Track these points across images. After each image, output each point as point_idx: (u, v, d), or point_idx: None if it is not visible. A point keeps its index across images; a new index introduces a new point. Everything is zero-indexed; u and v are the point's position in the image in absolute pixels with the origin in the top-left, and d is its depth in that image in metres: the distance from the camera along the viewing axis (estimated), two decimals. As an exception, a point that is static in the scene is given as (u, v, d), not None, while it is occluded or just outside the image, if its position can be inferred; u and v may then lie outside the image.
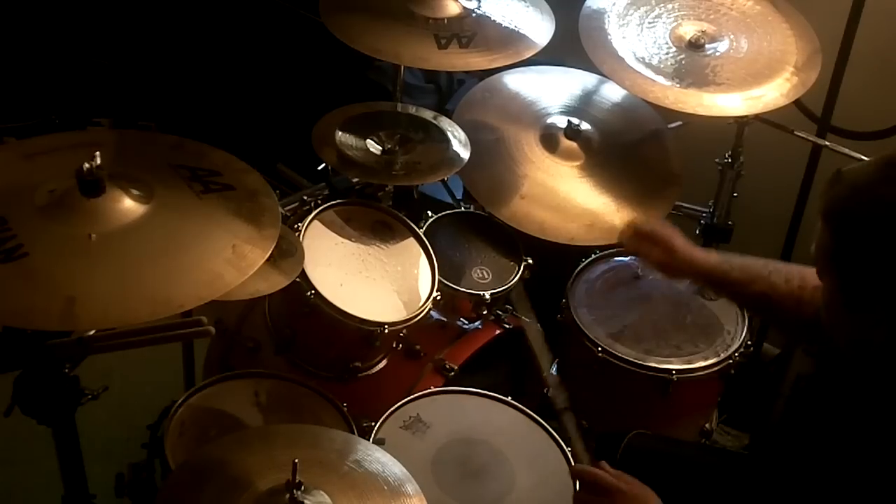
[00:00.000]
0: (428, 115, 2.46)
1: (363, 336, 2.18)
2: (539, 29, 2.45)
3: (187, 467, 1.78)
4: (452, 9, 2.41)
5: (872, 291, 1.47)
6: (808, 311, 1.83)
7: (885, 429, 1.55)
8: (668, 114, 2.51)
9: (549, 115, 2.58)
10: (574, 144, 2.51)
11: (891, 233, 1.43)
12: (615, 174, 2.50)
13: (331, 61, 3.00)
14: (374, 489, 1.66)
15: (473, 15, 2.43)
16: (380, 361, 2.31)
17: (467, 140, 2.39)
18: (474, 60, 2.36)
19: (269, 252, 1.69)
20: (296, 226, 2.24)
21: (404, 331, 2.24)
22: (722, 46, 2.49)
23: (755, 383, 2.73)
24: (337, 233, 2.32)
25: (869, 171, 1.48)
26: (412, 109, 2.49)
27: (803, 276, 1.90)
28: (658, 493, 1.85)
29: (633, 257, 2.56)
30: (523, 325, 2.36)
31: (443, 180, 2.65)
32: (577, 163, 2.50)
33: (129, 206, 1.66)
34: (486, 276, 2.45)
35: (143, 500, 2.09)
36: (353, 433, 2.04)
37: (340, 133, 2.32)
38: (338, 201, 2.36)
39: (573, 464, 2.00)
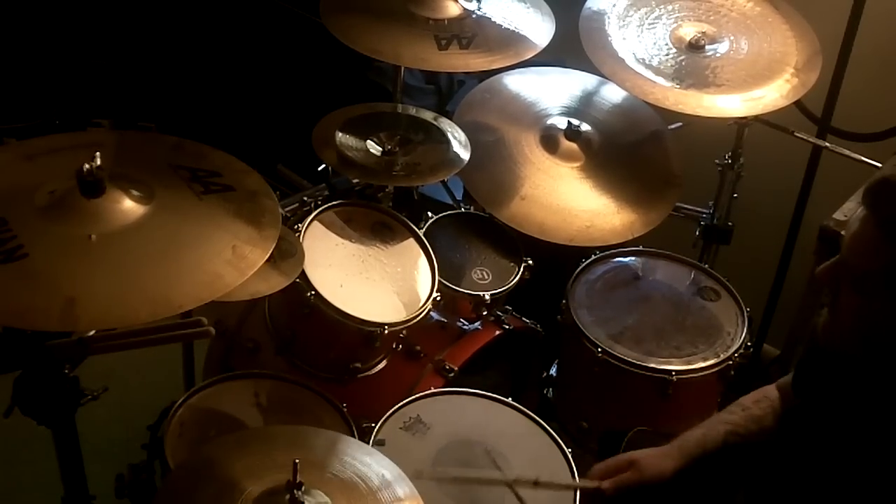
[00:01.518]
0: (428, 115, 2.46)
1: (363, 337, 2.18)
2: (539, 30, 2.45)
3: (187, 468, 1.78)
4: (453, 10, 2.41)
5: None
6: (768, 421, 1.83)
7: (885, 428, 1.55)
8: (669, 115, 2.51)
9: (549, 116, 2.58)
10: (574, 145, 2.51)
11: None
12: (615, 175, 2.50)
13: (331, 62, 3.00)
14: (373, 490, 1.66)
15: (474, 16, 2.43)
16: (380, 362, 2.31)
17: (467, 141, 2.39)
18: (474, 61, 2.36)
19: (269, 253, 1.69)
20: (296, 226, 2.24)
21: (404, 331, 2.24)
22: (722, 48, 2.49)
23: (755, 384, 2.72)
24: (337, 234, 2.32)
25: None
26: (412, 110, 2.49)
27: (741, 403, 1.90)
28: (658, 492, 1.85)
29: (633, 257, 2.57)
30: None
31: (443, 181, 2.65)
32: (578, 164, 2.50)
33: (129, 206, 1.66)
34: (486, 276, 2.45)
35: (143, 500, 2.09)
36: (353, 434, 2.04)
37: (340, 134, 2.32)
38: (338, 202, 2.36)
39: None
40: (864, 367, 1.55)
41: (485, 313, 2.39)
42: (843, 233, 1.52)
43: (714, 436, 1.86)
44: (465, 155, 2.35)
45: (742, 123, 2.56)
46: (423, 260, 2.35)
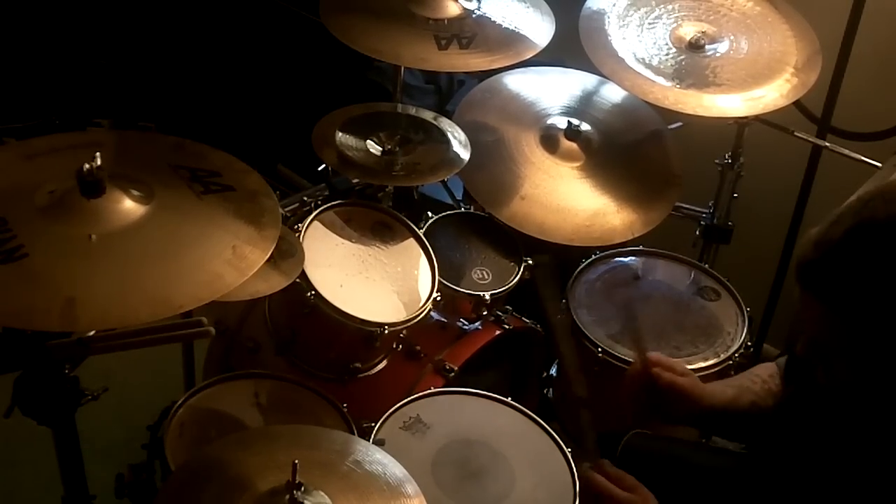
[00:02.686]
0: (428, 115, 2.46)
1: (363, 337, 2.18)
2: (539, 30, 2.45)
3: (187, 468, 1.78)
4: (453, 9, 2.41)
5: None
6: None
7: (882, 427, 1.55)
8: (668, 114, 2.51)
9: (549, 115, 2.58)
10: (574, 145, 2.51)
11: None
12: (615, 175, 2.50)
13: (331, 62, 3.00)
14: (374, 490, 1.65)
15: (473, 16, 2.43)
16: (380, 362, 2.31)
17: (467, 141, 2.39)
18: (474, 61, 2.36)
19: (269, 253, 1.69)
20: (296, 226, 2.24)
21: (404, 331, 2.24)
22: (722, 47, 2.49)
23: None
24: (337, 233, 2.32)
25: (846, 248, 1.40)
26: (412, 110, 2.49)
27: (759, 374, 1.91)
28: (657, 492, 1.85)
29: (633, 257, 2.57)
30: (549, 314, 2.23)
31: (443, 181, 2.65)
32: (577, 163, 2.50)
33: (129, 206, 1.66)
34: (486, 276, 2.45)
35: (143, 500, 2.10)
36: (353, 434, 2.04)
37: (340, 134, 2.32)
38: (338, 202, 2.36)
39: (578, 464, 1.99)
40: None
41: (485, 313, 2.39)
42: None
43: (742, 401, 1.89)
44: (465, 155, 2.35)
45: (742, 123, 2.56)
46: (423, 260, 2.35)
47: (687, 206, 2.69)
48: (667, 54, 2.48)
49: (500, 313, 2.43)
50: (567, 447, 2.06)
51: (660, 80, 2.43)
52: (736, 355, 2.35)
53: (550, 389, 2.59)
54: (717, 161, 2.65)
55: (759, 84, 2.42)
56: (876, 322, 1.39)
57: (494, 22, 2.43)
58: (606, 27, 2.53)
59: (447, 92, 3.27)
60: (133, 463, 2.10)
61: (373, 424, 2.05)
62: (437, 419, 2.09)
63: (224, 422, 2.07)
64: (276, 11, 3.29)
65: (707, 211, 2.71)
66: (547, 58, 2.51)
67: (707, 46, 2.49)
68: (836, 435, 1.63)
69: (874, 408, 1.54)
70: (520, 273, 2.46)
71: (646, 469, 1.89)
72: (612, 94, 2.64)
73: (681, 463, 2.06)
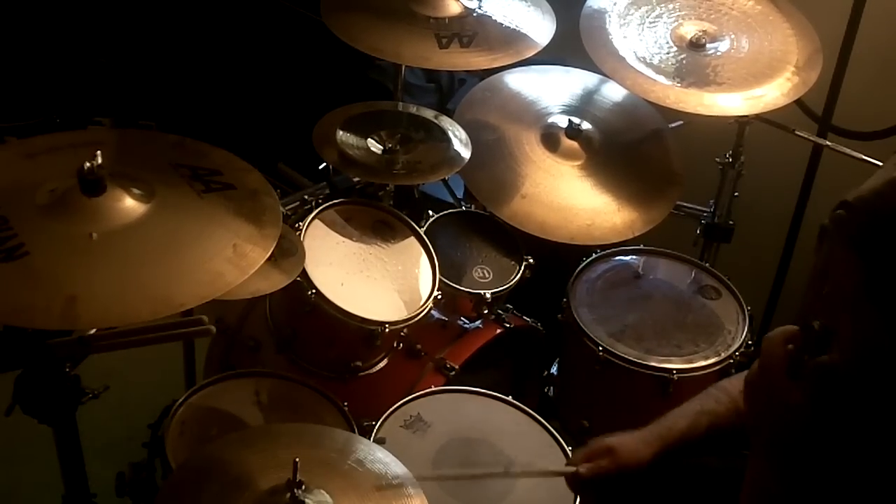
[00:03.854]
0: (429, 114, 2.46)
1: (364, 335, 2.18)
2: (540, 28, 2.45)
3: (188, 466, 1.78)
4: (453, 8, 2.41)
5: None
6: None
7: (884, 428, 1.55)
8: (669, 113, 2.51)
9: (550, 114, 2.58)
10: (575, 144, 2.51)
11: None
12: (616, 174, 2.50)
13: (332, 60, 3.00)
14: (377, 488, 1.66)
15: (474, 14, 2.43)
16: (380, 361, 2.31)
17: (468, 139, 2.39)
18: (475, 60, 2.36)
19: (270, 251, 1.69)
20: (297, 225, 2.24)
21: (405, 330, 2.24)
22: (723, 46, 2.49)
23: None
24: (338, 232, 2.32)
25: (882, 192, 1.43)
26: (413, 109, 2.49)
27: (725, 389, 1.88)
28: (657, 492, 1.85)
29: (634, 256, 2.57)
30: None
31: (444, 179, 2.65)
32: (578, 162, 2.50)
33: (129, 205, 1.66)
34: (487, 275, 2.45)
35: (144, 499, 2.10)
36: (354, 432, 2.04)
37: (341, 132, 2.32)
38: (339, 200, 2.36)
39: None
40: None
41: (486, 312, 2.40)
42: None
43: (697, 429, 1.85)
44: (466, 153, 2.35)
45: (743, 122, 2.56)
46: (423, 258, 2.35)
47: (688, 204, 2.69)
48: (668, 53, 2.48)
49: (500, 312, 2.43)
50: (568, 446, 2.06)
51: (661, 78, 2.43)
52: (737, 354, 2.35)
53: (551, 388, 2.59)
54: (717, 160, 2.65)
55: (759, 83, 2.42)
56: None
57: (495, 21, 2.43)
58: (607, 26, 2.53)
59: (448, 90, 3.27)
60: (134, 461, 2.10)
61: (373, 423, 2.05)
62: (437, 418, 2.09)
63: (225, 420, 2.07)
64: (277, 10, 3.29)
65: (708, 210, 2.71)
66: (548, 56, 2.51)
67: (708, 45, 2.49)
68: (840, 433, 1.63)
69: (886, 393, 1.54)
70: (520, 272, 2.46)
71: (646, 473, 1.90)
72: (613, 92, 2.64)
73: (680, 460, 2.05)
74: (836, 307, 1.53)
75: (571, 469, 1.88)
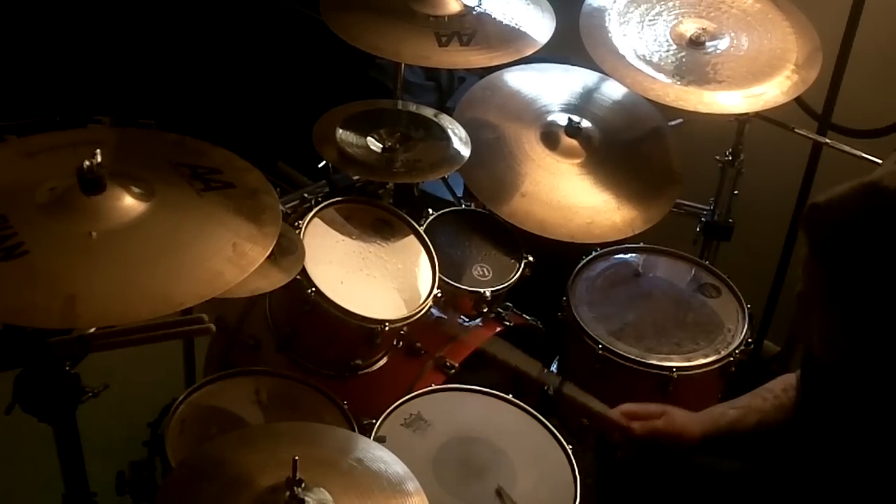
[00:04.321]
0: (429, 112, 2.46)
1: (364, 334, 2.18)
2: (540, 27, 2.45)
3: (188, 465, 1.78)
4: (453, 6, 2.41)
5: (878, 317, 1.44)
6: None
7: (885, 429, 1.55)
8: (669, 111, 2.51)
9: (549, 112, 2.58)
10: (575, 142, 2.51)
11: (887, 259, 1.40)
12: (616, 172, 2.50)
13: (331, 59, 3.00)
14: (375, 487, 1.66)
15: (474, 13, 2.43)
16: (380, 359, 2.31)
17: (468, 138, 2.39)
18: (475, 58, 2.36)
19: (270, 250, 1.69)
20: (296, 223, 2.24)
21: (405, 328, 2.24)
22: (722, 44, 2.49)
23: (756, 381, 2.72)
24: (337, 230, 2.32)
25: (846, 204, 1.44)
26: (413, 107, 2.49)
27: (769, 388, 1.92)
28: (658, 491, 1.85)
29: (633, 254, 2.57)
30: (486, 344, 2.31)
31: (443, 178, 2.65)
32: (578, 160, 2.50)
33: (129, 204, 1.66)
34: (487, 273, 2.45)
35: (144, 497, 2.10)
36: (354, 431, 2.04)
37: (341, 131, 2.32)
38: (338, 199, 2.36)
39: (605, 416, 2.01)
40: (840, 373, 1.58)
41: (485, 310, 2.40)
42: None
43: (747, 423, 1.89)
44: (466, 152, 2.35)
45: (742, 120, 2.56)
46: (423, 257, 2.35)
47: (687, 203, 2.69)
48: (667, 51, 2.48)
49: (500, 310, 2.43)
50: (568, 444, 2.06)
51: (660, 76, 2.43)
52: (737, 352, 2.35)
53: (551, 386, 2.59)
54: (717, 158, 2.65)
55: (759, 81, 2.42)
56: (856, 280, 1.42)
57: (495, 19, 2.43)
58: (607, 24, 2.53)
59: (448, 89, 3.27)
60: (134, 460, 2.10)
61: (374, 421, 2.05)
62: (437, 416, 2.09)
63: (225, 419, 2.07)
64: (277, 9, 3.29)
65: (707, 208, 2.71)
66: (548, 55, 2.51)
67: (707, 43, 2.49)
68: (846, 440, 1.63)
69: (873, 398, 1.54)
70: (520, 270, 2.46)
71: (647, 467, 1.90)
72: (613, 90, 2.64)
73: (682, 460, 2.06)
74: (809, 305, 1.54)
75: (625, 422, 1.89)
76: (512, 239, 2.51)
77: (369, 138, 2.33)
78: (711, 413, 1.92)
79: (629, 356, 2.31)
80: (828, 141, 2.67)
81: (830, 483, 1.64)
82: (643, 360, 2.31)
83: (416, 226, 2.40)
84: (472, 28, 2.37)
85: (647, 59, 2.46)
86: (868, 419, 1.56)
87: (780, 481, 1.80)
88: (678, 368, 2.30)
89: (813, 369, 1.75)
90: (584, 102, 2.61)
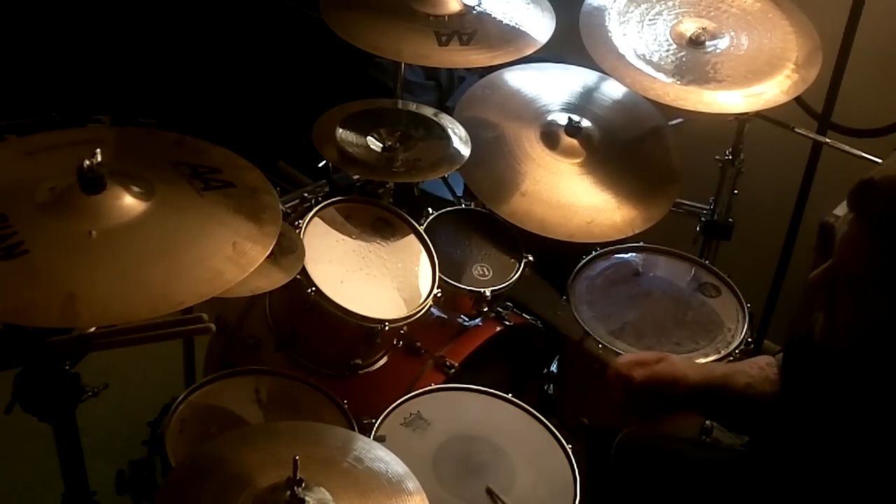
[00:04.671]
0: (428, 111, 2.46)
1: (364, 333, 2.18)
2: (540, 26, 2.45)
3: (188, 464, 1.78)
4: (453, 6, 2.41)
5: None
6: (777, 387, 1.85)
7: (884, 427, 1.55)
8: (669, 111, 2.51)
9: (549, 112, 2.58)
10: (575, 141, 2.51)
11: None
12: (616, 171, 2.50)
13: (331, 58, 3.00)
14: (375, 486, 1.66)
15: (474, 12, 2.43)
16: (380, 358, 2.31)
17: (468, 137, 2.39)
18: (475, 57, 2.36)
19: (270, 249, 1.69)
20: (296, 223, 2.24)
21: (405, 328, 2.24)
22: (722, 43, 2.49)
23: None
24: (338, 230, 2.32)
25: None
26: (413, 106, 2.49)
27: (753, 362, 1.91)
28: (654, 490, 1.85)
29: (633, 254, 2.57)
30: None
31: (443, 177, 2.65)
32: (578, 160, 2.50)
33: (129, 203, 1.66)
34: (487, 272, 2.45)
35: (144, 497, 2.10)
36: (354, 430, 2.04)
37: (341, 130, 2.32)
38: (338, 198, 2.36)
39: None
40: (862, 365, 1.56)
41: (485, 309, 2.39)
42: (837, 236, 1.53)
43: (736, 381, 1.88)
44: (466, 151, 2.35)
45: (742, 119, 2.56)
46: (423, 256, 2.35)
47: (687, 202, 2.69)
48: (667, 51, 2.48)
49: (500, 310, 2.43)
50: (567, 444, 2.06)
51: (660, 76, 2.43)
52: (736, 351, 2.35)
53: (551, 385, 2.59)
54: (717, 157, 2.65)
55: (759, 80, 2.42)
56: None
57: (495, 18, 2.43)
58: (607, 23, 2.53)
59: (448, 88, 3.27)
60: (134, 459, 2.10)
61: (373, 421, 2.05)
62: (437, 415, 2.09)
63: (224, 418, 2.07)
64: (277, 8, 3.29)
65: (707, 207, 2.71)
66: (548, 54, 2.51)
67: (707, 43, 2.49)
68: (835, 430, 1.63)
69: (876, 387, 1.54)
70: (520, 269, 2.46)
71: (640, 466, 1.89)
72: (613, 90, 2.63)
73: (675, 458, 2.06)
74: (839, 285, 1.50)
75: (621, 365, 1.91)
76: (512, 238, 2.51)
77: (369, 137, 2.33)
78: (706, 366, 1.92)
79: (629, 356, 2.31)
80: (828, 140, 2.67)
81: (824, 476, 1.64)
82: (643, 360, 2.31)
83: (416, 225, 2.40)
84: (472, 27, 2.37)
85: (647, 58, 2.46)
86: (878, 407, 1.56)
87: (771, 479, 1.80)
88: (678, 368, 2.30)
89: (805, 359, 1.73)
90: (584, 102, 2.61)
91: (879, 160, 2.47)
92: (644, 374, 1.89)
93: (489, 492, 1.93)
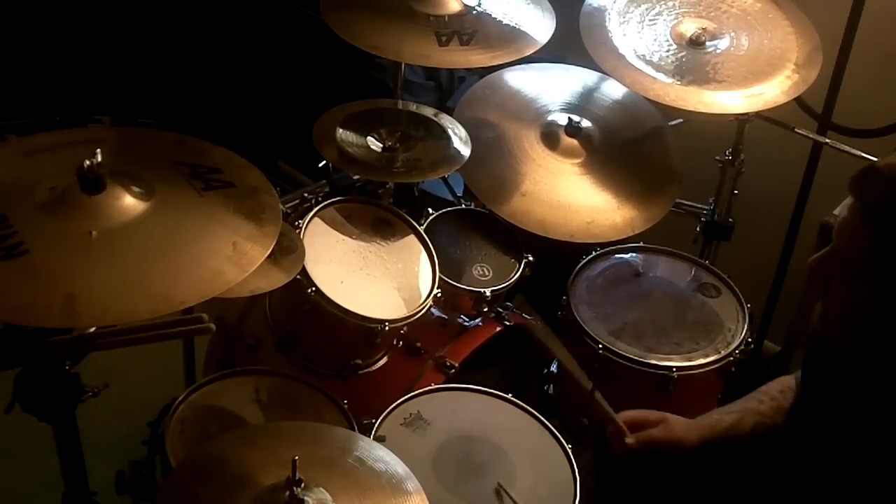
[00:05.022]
0: (429, 112, 2.46)
1: (364, 333, 2.18)
2: (540, 26, 2.45)
3: (188, 464, 1.78)
4: (453, 6, 2.41)
5: None
6: None
7: (885, 425, 1.55)
8: (669, 111, 2.51)
9: (549, 112, 2.58)
10: (575, 142, 2.51)
11: None
12: (616, 171, 2.50)
13: (331, 58, 3.00)
14: (375, 486, 1.65)
15: (474, 12, 2.43)
16: (380, 359, 2.31)
17: (468, 137, 2.39)
18: (475, 58, 2.36)
19: (270, 249, 1.69)
20: (296, 223, 2.24)
21: (405, 328, 2.24)
22: (722, 44, 2.49)
23: (756, 380, 2.72)
24: (338, 230, 2.32)
25: None
26: (413, 106, 2.49)
27: (765, 391, 1.90)
28: (655, 489, 1.84)
29: (633, 254, 2.57)
30: (529, 324, 2.35)
31: (443, 177, 2.65)
32: (578, 160, 2.50)
33: (129, 203, 1.66)
34: (487, 273, 2.45)
35: (144, 497, 2.10)
36: (354, 430, 2.04)
37: (341, 130, 2.32)
38: (338, 198, 2.36)
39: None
40: (858, 355, 1.56)
41: (485, 310, 2.40)
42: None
43: (742, 428, 1.88)
44: (466, 151, 2.35)
45: (742, 120, 2.56)
46: (423, 256, 2.35)
47: (687, 202, 2.69)
48: (667, 51, 2.48)
49: (500, 310, 2.43)
50: (567, 444, 2.06)
51: (660, 76, 2.43)
52: (736, 351, 2.35)
53: (551, 386, 2.59)
54: (717, 158, 2.65)
55: (759, 81, 2.42)
56: None
57: (495, 18, 2.43)
58: (607, 24, 2.53)
59: (448, 88, 3.27)
60: (134, 459, 2.10)
61: (373, 421, 2.05)
62: (437, 416, 2.09)
63: (225, 418, 2.07)
64: (277, 8, 3.29)
65: (708, 207, 2.71)
66: (548, 54, 2.51)
67: (707, 43, 2.49)
68: (844, 435, 1.62)
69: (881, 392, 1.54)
70: (520, 270, 2.46)
71: (642, 467, 1.89)
72: (613, 90, 2.63)
73: (679, 460, 2.05)
74: (833, 269, 1.52)
75: (627, 438, 1.89)
76: (512, 238, 2.51)
77: (369, 138, 2.33)
78: (708, 419, 1.91)
79: (629, 356, 2.31)
80: (828, 141, 2.67)
81: (830, 480, 1.63)
82: (643, 360, 2.31)
83: (416, 225, 2.40)
84: (472, 27, 2.37)
85: (647, 58, 2.46)
86: (874, 405, 1.56)
87: (779, 478, 1.80)
88: (678, 368, 2.30)
89: (818, 355, 1.73)
90: (584, 102, 2.61)
91: (879, 160, 2.47)
92: (640, 441, 1.88)
93: (498, 489, 1.92)
